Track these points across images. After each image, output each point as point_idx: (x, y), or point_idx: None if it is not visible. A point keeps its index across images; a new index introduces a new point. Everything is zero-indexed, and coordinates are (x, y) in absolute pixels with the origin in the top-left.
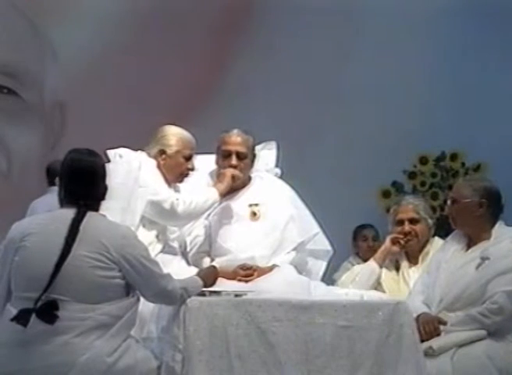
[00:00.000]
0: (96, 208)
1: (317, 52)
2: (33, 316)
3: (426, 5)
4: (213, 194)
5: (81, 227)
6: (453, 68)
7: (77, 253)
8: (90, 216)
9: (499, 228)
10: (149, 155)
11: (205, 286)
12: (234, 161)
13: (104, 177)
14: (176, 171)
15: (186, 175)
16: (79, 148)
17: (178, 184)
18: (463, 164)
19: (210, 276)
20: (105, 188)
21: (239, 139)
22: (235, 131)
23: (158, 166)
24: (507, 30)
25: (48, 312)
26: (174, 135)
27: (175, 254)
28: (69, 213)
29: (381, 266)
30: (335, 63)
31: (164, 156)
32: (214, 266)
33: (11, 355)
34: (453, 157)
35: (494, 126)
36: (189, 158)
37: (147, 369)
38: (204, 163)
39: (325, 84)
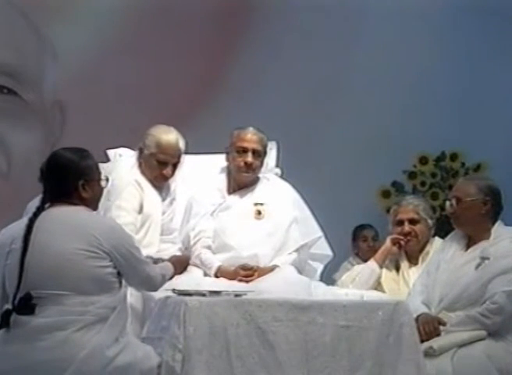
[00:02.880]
0: (73, 203)
1: (317, 52)
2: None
3: (427, 4)
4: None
5: (72, 222)
6: (454, 68)
7: (71, 247)
8: (78, 210)
9: (499, 228)
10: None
11: (175, 273)
12: (250, 158)
13: (77, 173)
14: (150, 173)
15: (161, 180)
16: (69, 147)
17: (173, 186)
18: (463, 164)
19: (180, 264)
20: (78, 185)
21: (255, 137)
22: (251, 129)
23: (140, 165)
24: (508, 29)
25: (24, 305)
26: (154, 136)
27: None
28: (53, 211)
29: (381, 266)
30: (335, 63)
31: (142, 155)
32: (187, 256)
33: (11, 352)
34: (453, 157)
35: (494, 126)
36: (164, 164)
37: (147, 367)
38: (206, 163)
39: (325, 84)
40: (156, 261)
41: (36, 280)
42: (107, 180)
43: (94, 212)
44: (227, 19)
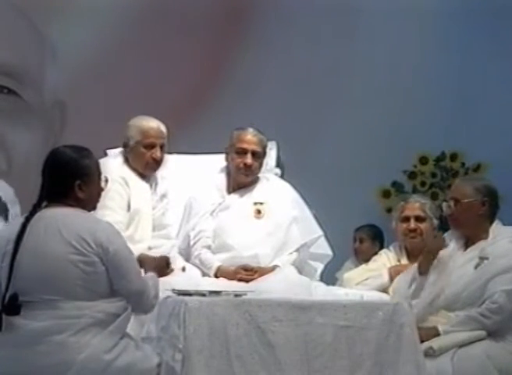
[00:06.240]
0: (69, 204)
1: (317, 52)
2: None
3: (427, 5)
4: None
5: (65, 225)
6: (454, 68)
7: (62, 251)
8: (66, 212)
9: (497, 227)
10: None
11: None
12: (249, 159)
13: (74, 173)
14: (140, 162)
15: (153, 164)
16: (71, 145)
17: (162, 175)
18: (463, 164)
19: (159, 269)
20: (74, 185)
21: (255, 138)
22: (250, 130)
23: (127, 160)
24: (508, 30)
25: (11, 306)
26: (134, 126)
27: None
28: (48, 212)
29: (392, 280)
30: (335, 63)
31: (128, 149)
32: (166, 257)
33: (8, 357)
34: (453, 157)
35: (494, 126)
36: (151, 147)
37: (146, 367)
38: (206, 163)
39: (325, 84)
40: None
41: (26, 283)
42: (106, 181)
43: (90, 215)
44: (227, 18)
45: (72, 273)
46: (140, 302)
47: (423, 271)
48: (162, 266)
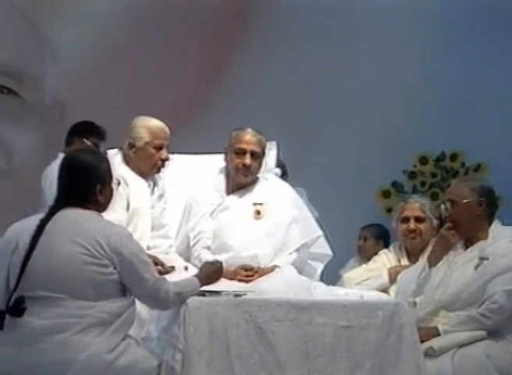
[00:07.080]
0: (87, 207)
1: (318, 53)
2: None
3: (429, 5)
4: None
5: (81, 226)
6: (454, 68)
7: (72, 250)
8: (83, 214)
9: (496, 227)
10: (122, 150)
11: (207, 284)
12: (248, 160)
13: (96, 177)
14: (148, 163)
15: (161, 166)
16: (85, 148)
17: (159, 175)
18: (463, 164)
19: (211, 276)
20: (95, 189)
21: (253, 139)
22: (249, 130)
23: (128, 161)
24: (508, 31)
25: (16, 308)
26: (142, 127)
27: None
28: (65, 213)
29: (392, 282)
30: (335, 63)
31: (134, 150)
32: (220, 262)
33: (10, 354)
34: (453, 157)
35: (494, 126)
36: (160, 148)
37: (147, 367)
38: (206, 163)
39: (325, 84)
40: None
41: (35, 281)
42: (118, 183)
43: (105, 218)
44: (228, 18)
45: (83, 273)
46: (157, 300)
47: (433, 263)
48: (218, 273)
